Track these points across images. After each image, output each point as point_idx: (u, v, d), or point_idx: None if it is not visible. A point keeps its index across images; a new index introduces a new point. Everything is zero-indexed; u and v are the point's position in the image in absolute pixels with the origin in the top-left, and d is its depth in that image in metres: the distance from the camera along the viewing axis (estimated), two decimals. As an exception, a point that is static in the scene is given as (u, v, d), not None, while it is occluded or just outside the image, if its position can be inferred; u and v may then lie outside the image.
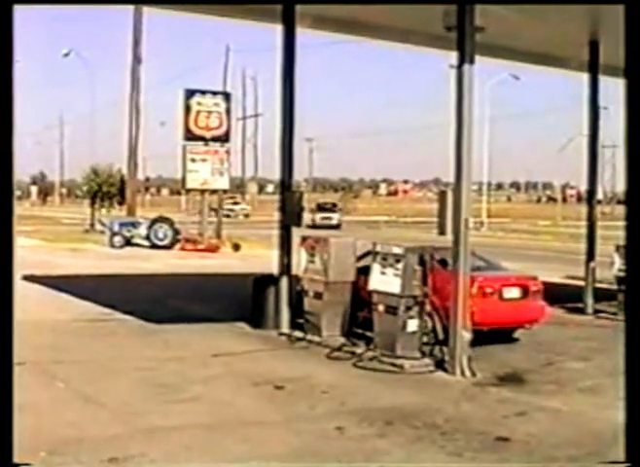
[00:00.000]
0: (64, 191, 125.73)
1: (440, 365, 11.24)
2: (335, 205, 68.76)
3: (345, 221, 64.13)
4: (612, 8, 8.75)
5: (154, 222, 35.97)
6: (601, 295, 17.29)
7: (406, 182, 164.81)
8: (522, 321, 13.47)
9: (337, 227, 58.74)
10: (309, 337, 13.20)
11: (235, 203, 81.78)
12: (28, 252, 27.23)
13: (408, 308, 11.59)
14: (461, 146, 11.21)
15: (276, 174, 15.46)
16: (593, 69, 17.35)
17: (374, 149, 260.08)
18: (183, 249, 34.31)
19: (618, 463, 6.27)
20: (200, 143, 33.19)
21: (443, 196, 11.58)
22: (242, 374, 10.85)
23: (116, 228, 35.48)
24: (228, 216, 61.57)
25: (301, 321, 13.77)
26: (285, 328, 13.87)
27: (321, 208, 65.27)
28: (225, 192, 40.94)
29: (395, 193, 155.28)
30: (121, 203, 46.73)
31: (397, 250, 11.94)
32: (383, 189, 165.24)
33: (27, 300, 15.53)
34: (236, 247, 34.48)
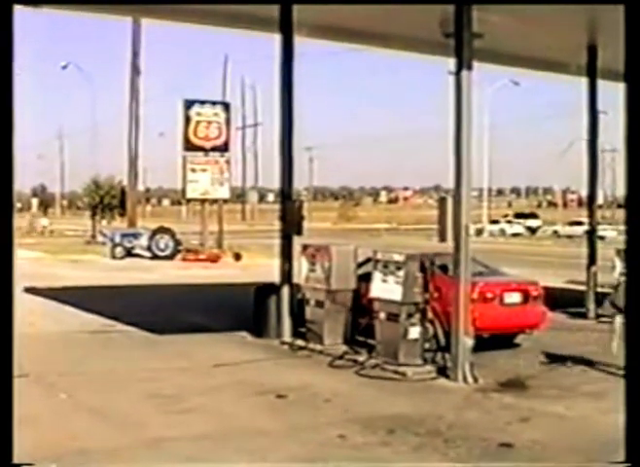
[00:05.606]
0: (65, 203, 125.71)
1: (442, 372, 11.22)
2: None
3: (347, 228, 64.27)
4: (609, 12, 8.73)
5: (155, 233, 36.03)
6: (603, 299, 17.24)
7: (406, 189, 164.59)
8: (523, 326, 13.43)
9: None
10: (311, 345, 13.18)
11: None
12: (30, 264, 27.25)
13: (410, 316, 11.58)
14: (460, 152, 11.21)
15: (276, 183, 15.48)
16: (592, 74, 17.36)
17: (375, 157, 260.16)
18: (184, 259, 34.36)
19: (618, 463, 6.25)
20: (200, 153, 33.22)
21: (442, 202, 11.57)
22: (245, 383, 10.82)
23: (117, 239, 35.57)
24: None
25: (302, 330, 13.75)
26: (287, 337, 13.86)
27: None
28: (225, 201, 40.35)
29: (395, 200, 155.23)
30: (122, 215, 46.81)
31: (398, 257, 11.93)
32: (384, 196, 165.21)
33: (30, 312, 15.56)
34: (237, 257, 34.51)
